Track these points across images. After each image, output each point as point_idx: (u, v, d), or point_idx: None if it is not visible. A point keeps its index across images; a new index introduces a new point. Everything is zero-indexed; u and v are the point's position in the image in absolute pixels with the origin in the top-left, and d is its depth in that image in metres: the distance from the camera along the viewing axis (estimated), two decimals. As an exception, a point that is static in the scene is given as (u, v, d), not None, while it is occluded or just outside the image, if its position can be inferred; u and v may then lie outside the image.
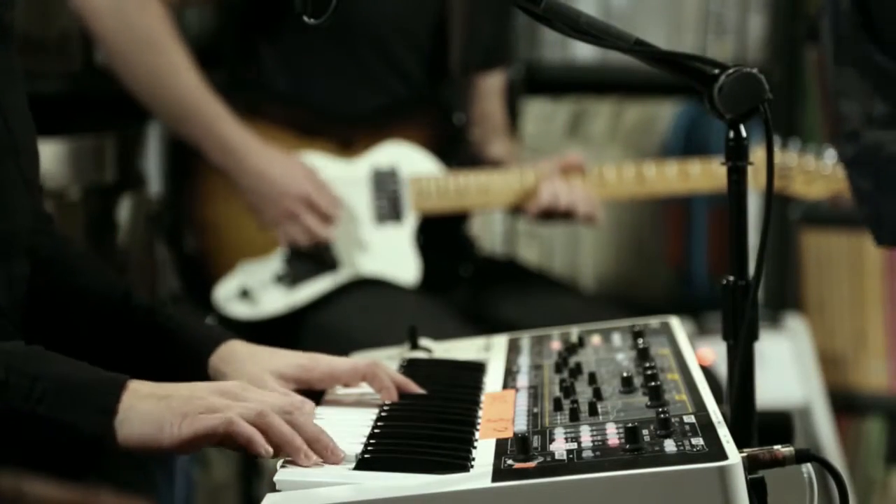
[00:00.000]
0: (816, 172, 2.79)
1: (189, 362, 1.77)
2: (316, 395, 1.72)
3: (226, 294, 2.65)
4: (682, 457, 1.36)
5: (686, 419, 1.46)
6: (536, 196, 2.73)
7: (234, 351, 1.78)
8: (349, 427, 1.60)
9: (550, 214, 2.76)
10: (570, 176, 2.77)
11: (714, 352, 2.84)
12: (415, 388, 1.73)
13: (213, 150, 2.63)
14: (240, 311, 2.64)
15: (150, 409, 1.50)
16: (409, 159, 2.73)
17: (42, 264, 1.79)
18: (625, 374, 1.62)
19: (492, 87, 2.99)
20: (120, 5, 2.61)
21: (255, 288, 2.65)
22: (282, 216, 2.64)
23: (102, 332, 1.80)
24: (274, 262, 2.66)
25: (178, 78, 2.61)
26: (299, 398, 1.61)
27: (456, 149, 2.79)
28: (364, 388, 1.74)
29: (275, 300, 2.64)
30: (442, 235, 2.76)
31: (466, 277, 2.81)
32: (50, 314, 1.79)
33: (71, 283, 1.82)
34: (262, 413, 1.50)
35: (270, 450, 1.48)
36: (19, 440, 1.50)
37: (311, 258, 2.67)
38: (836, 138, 2.18)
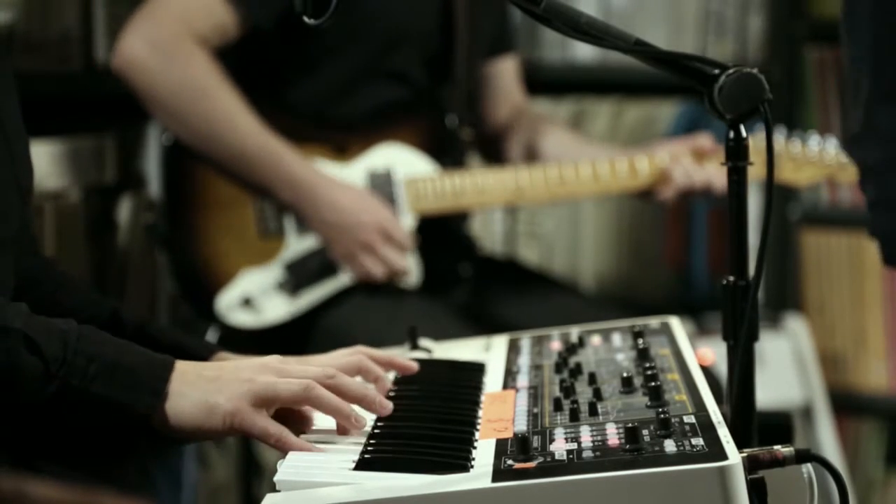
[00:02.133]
0: (803, 158, 2.80)
1: None
2: None
3: (228, 303, 2.64)
4: (682, 457, 1.36)
5: (686, 419, 1.46)
6: (669, 180, 2.72)
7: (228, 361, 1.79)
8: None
9: (686, 196, 2.75)
10: (704, 160, 2.75)
11: (714, 352, 2.84)
12: (405, 363, 1.76)
13: (283, 189, 2.61)
14: (242, 319, 2.64)
15: (200, 395, 1.53)
16: (403, 161, 2.73)
17: (29, 284, 1.79)
18: (625, 375, 1.62)
19: (508, 71, 2.98)
20: (167, 61, 2.58)
21: (256, 296, 2.64)
22: (357, 247, 2.62)
23: None
24: (274, 270, 2.66)
25: (235, 123, 2.59)
26: (330, 370, 1.63)
27: (450, 149, 2.79)
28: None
29: (277, 307, 2.64)
30: (442, 235, 2.75)
31: (466, 277, 2.81)
32: None
33: (58, 304, 1.82)
34: (309, 387, 1.55)
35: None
36: (66, 421, 1.51)
37: (311, 265, 2.66)
38: (865, 141, 2.15)
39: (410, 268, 2.67)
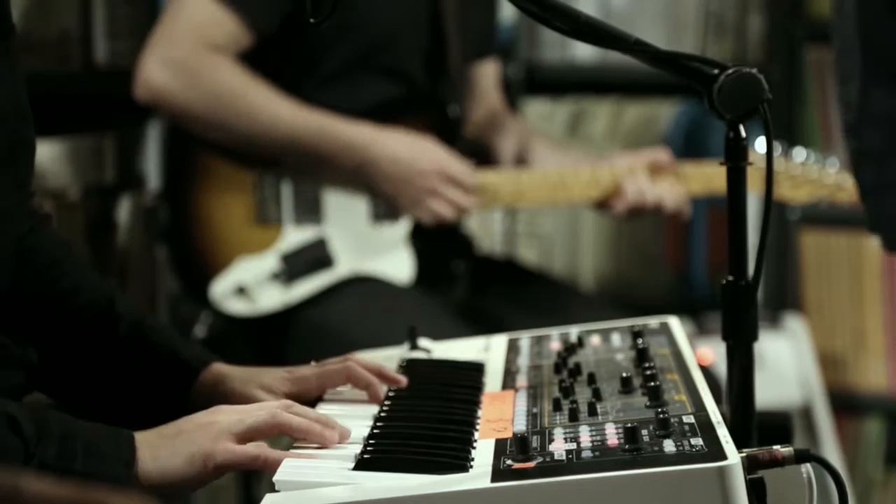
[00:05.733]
0: (803, 177, 2.81)
1: (175, 384, 1.77)
2: (308, 403, 1.72)
3: (222, 291, 2.65)
4: (681, 457, 1.35)
5: (685, 419, 1.46)
6: (621, 194, 2.74)
7: (221, 372, 1.78)
8: (349, 427, 1.60)
9: (638, 212, 2.77)
10: (659, 175, 2.76)
11: (714, 352, 2.84)
12: (393, 375, 1.75)
13: (342, 158, 2.63)
14: (236, 307, 2.65)
15: (170, 450, 1.50)
16: None
17: (24, 255, 1.75)
18: (624, 375, 1.61)
19: (488, 76, 2.99)
20: (192, 77, 2.59)
21: (251, 285, 2.65)
22: (423, 194, 2.65)
23: (85, 342, 1.79)
24: (270, 259, 2.67)
25: (277, 113, 2.61)
26: (287, 400, 1.62)
27: (453, 145, 2.79)
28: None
29: (271, 297, 2.65)
30: (437, 232, 2.76)
31: (459, 274, 2.81)
32: (29, 314, 1.77)
33: (54, 283, 1.80)
34: (275, 414, 1.53)
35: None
36: None
37: (306, 256, 2.67)
38: (859, 127, 2.16)
39: (474, 205, 2.70)
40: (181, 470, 1.50)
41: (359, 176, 2.66)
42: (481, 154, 2.95)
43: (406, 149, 2.65)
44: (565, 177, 2.76)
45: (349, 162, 2.64)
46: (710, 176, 2.81)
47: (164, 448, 1.50)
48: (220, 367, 1.79)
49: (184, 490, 1.52)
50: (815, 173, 2.82)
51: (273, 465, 1.48)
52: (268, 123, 2.62)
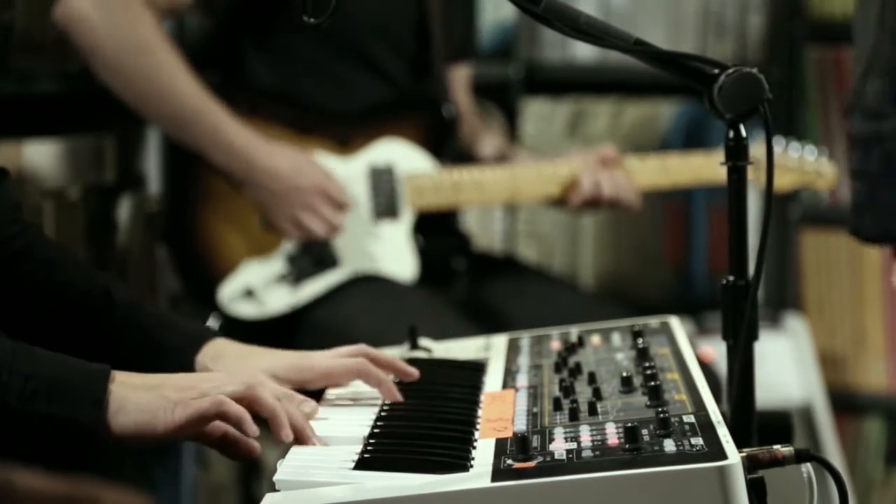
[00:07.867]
0: (783, 165, 2.81)
1: (174, 359, 1.77)
2: (314, 394, 1.72)
3: (230, 294, 2.65)
4: (681, 456, 1.36)
5: (686, 419, 1.46)
6: (578, 187, 2.74)
7: (223, 349, 1.77)
8: (349, 427, 1.60)
9: (593, 204, 2.77)
10: (610, 167, 2.77)
11: (714, 351, 2.84)
12: (406, 369, 1.75)
13: (218, 154, 2.62)
14: (245, 310, 2.65)
15: (142, 398, 1.52)
16: (404, 156, 2.74)
17: (15, 256, 1.77)
18: (624, 374, 1.62)
19: (460, 79, 3.00)
20: (113, 17, 2.58)
21: (258, 287, 2.65)
22: (298, 209, 2.64)
23: (83, 330, 1.79)
24: (276, 262, 2.67)
25: (176, 83, 2.60)
26: (300, 396, 1.62)
27: (448, 143, 2.80)
28: (362, 387, 1.75)
29: (279, 299, 2.65)
30: (435, 230, 2.76)
31: (458, 272, 2.81)
32: (27, 311, 1.78)
33: (50, 279, 1.80)
34: (251, 386, 1.54)
35: (256, 430, 1.52)
36: (13, 438, 1.50)
37: (312, 256, 2.67)
38: (853, 112, 2.17)
39: (343, 224, 2.68)
40: (142, 419, 1.51)
41: (232, 179, 2.64)
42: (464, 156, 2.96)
43: (287, 164, 2.64)
44: (526, 174, 2.76)
45: (224, 160, 2.61)
46: (696, 167, 2.82)
47: (135, 395, 1.52)
48: (224, 344, 1.78)
49: (139, 441, 1.53)
50: (794, 161, 2.82)
51: (231, 416, 1.50)
52: (164, 90, 2.60)
